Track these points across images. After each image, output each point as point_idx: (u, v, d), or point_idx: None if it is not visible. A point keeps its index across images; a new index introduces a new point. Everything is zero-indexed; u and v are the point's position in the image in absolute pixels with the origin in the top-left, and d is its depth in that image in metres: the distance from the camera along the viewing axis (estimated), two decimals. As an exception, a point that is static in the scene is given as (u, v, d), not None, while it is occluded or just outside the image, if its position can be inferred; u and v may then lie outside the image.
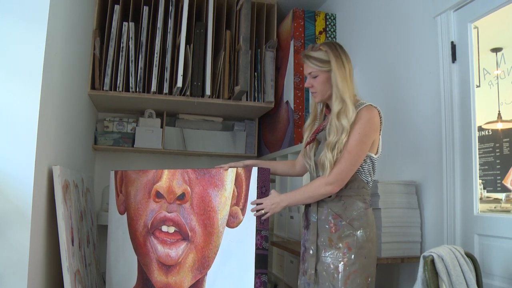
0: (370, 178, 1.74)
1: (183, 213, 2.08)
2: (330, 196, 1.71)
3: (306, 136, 1.86)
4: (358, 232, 1.66)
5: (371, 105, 1.70)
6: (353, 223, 1.67)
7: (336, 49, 1.73)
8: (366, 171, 1.72)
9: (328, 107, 1.85)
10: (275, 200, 1.78)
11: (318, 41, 3.27)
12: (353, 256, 1.64)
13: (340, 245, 1.66)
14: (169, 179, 2.17)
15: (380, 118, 1.71)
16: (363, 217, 1.68)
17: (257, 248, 1.83)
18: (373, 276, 1.69)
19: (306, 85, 1.78)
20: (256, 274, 1.82)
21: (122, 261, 2.36)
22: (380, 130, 1.73)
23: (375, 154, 1.73)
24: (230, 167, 1.96)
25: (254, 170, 1.88)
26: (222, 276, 1.93)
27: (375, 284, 1.71)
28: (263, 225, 1.84)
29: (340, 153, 1.64)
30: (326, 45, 1.75)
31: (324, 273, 1.67)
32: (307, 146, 1.84)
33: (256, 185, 1.86)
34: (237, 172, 1.94)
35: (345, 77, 1.69)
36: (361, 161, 1.68)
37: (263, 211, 1.79)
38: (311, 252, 1.73)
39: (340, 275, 1.63)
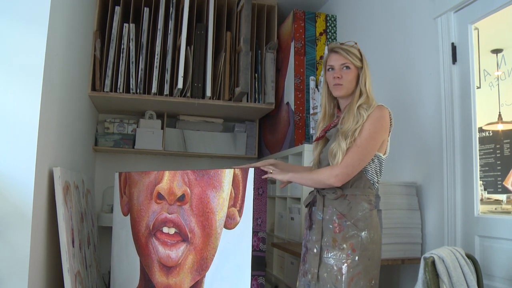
0: (376, 179, 1.73)
1: (183, 215, 2.08)
2: (335, 193, 1.70)
3: (319, 131, 1.88)
4: (363, 233, 1.65)
5: (383, 105, 1.73)
6: (358, 223, 1.66)
7: None
8: (373, 170, 1.71)
9: (339, 107, 1.86)
10: (284, 177, 1.84)
11: (319, 42, 3.27)
12: (357, 257, 1.62)
13: (344, 246, 1.65)
14: (170, 181, 2.17)
15: (391, 119, 1.73)
16: (368, 218, 1.67)
17: (253, 250, 1.81)
18: (377, 278, 1.67)
19: (334, 75, 1.78)
20: (252, 276, 1.81)
21: (126, 262, 2.36)
22: (390, 131, 1.74)
23: (383, 154, 1.73)
24: (250, 167, 1.93)
25: (251, 171, 1.87)
26: (220, 277, 1.92)
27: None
28: (260, 227, 1.83)
29: (352, 142, 1.65)
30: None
31: (326, 275, 1.65)
32: (315, 142, 1.87)
33: (252, 186, 1.86)
34: (234, 173, 1.93)
35: (369, 77, 1.80)
36: (370, 158, 1.69)
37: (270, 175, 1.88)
38: (314, 251, 1.71)
39: (343, 277, 1.61)
